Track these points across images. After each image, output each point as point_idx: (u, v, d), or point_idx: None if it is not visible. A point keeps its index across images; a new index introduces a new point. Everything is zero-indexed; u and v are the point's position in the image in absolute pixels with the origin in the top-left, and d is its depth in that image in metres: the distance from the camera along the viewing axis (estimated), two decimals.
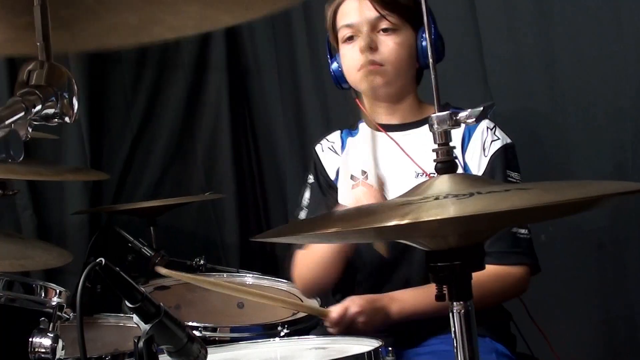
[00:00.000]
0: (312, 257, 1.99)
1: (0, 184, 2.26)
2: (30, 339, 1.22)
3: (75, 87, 0.98)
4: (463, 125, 1.86)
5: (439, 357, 1.78)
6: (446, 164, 1.13)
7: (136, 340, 1.24)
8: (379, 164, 1.89)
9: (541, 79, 2.55)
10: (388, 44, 1.92)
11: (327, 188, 2.09)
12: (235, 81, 3.49)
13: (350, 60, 1.96)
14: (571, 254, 2.53)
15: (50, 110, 0.94)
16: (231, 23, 1.25)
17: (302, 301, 2.37)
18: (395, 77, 1.94)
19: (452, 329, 1.12)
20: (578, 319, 2.50)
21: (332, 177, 2.09)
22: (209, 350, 1.69)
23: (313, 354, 1.59)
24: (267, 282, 2.55)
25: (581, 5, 2.42)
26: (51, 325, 1.25)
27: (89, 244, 2.77)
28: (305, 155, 2.16)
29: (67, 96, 0.95)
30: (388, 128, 1.99)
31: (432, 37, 1.89)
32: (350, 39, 1.97)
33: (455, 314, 1.12)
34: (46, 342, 1.22)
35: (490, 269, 1.81)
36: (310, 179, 2.13)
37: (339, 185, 2.07)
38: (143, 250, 2.60)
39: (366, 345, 1.51)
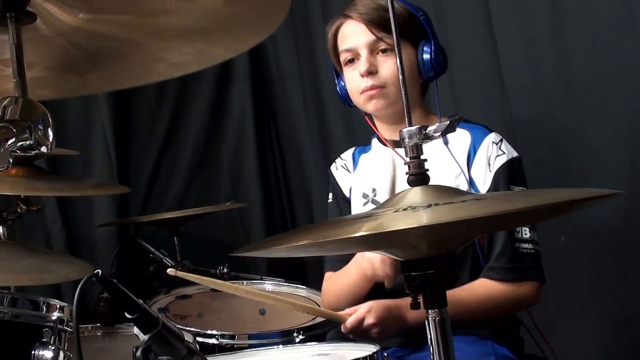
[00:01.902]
0: (342, 282, 2.04)
1: (24, 200, 2.35)
2: (32, 352, 1.28)
3: (50, 120, 1.04)
4: (468, 142, 1.94)
5: None
6: (418, 176, 1.16)
7: (134, 350, 1.30)
8: (396, 180, 1.94)
9: (556, 83, 2.55)
10: (388, 65, 1.95)
11: (345, 206, 2.14)
12: (259, 91, 3.54)
13: (353, 83, 2.00)
14: (589, 254, 2.52)
15: (26, 142, 1.00)
16: (227, 57, 1.30)
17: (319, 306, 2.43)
18: (398, 97, 1.95)
19: (428, 336, 1.15)
20: (597, 320, 2.49)
21: (347, 195, 2.14)
22: (215, 359, 1.76)
23: None
24: (286, 288, 2.60)
25: (595, 6, 2.41)
26: (52, 339, 1.32)
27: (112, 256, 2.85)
28: (329, 163, 2.22)
29: (41, 128, 1.00)
30: (396, 144, 2.02)
31: (434, 51, 1.92)
32: (351, 61, 2.01)
33: (430, 321, 1.15)
34: (48, 354, 1.29)
35: (495, 285, 1.85)
36: (330, 198, 2.19)
37: (352, 203, 2.12)
38: (164, 260, 2.66)
39: (367, 351, 1.55)
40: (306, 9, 3.33)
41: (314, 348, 1.71)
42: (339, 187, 2.16)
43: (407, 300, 1.85)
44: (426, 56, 1.94)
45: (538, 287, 1.91)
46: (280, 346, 1.76)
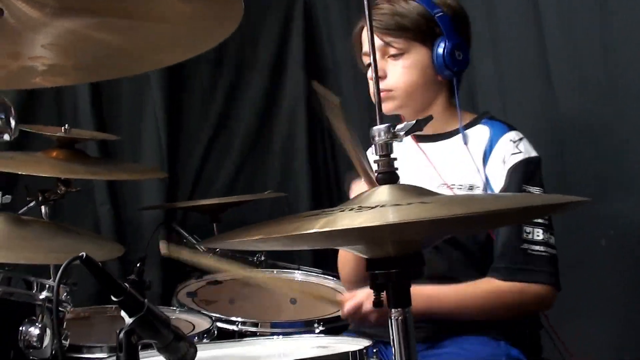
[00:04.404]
0: (348, 256, 2.06)
1: (65, 181, 2.43)
2: (20, 328, 1.34)
3: (13, 110, 1.07)
4: (486, 139, 1.91)
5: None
6: (386, 174, 1.15)
7: (118, 332, 1.34)
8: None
9: (603, 82, 2.48)
10: (396, 70, 1.95)
11: None
12: (313, 80, 3.55)
13: (370, 86, 2.01)
14: (631, 259, 2.44)
15: None
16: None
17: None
18: (408, 99, 1.97)
19: (390, 336, 1.14)
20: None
21: None
22: (218, 345, 1.79)
23: (312, 352, 1.63)
24: (314, 278, 2.61)
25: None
26: (41, 317, 1.36)
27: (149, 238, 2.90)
28: None
29: (3, 117, 1.04)
30: (420, 138, 2.02)
31: (447, 49, 1.90)
32: (369, 65, 2.02)
33: (393, 320, 1.14)
34: (34, 331, 1.34)
35: (500, 283, 1.82)
36: None
37: None
38: (197, 246, 2.71)
39: (361, 345, 1.55)
40: None
41: (314, 340, 1.71)
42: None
43: (414, 290, 1.86)
44: (439, 55, 1.92)
45: (550, 291, 1.86)
46: (280, 336, 1.78)
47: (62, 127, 2.34)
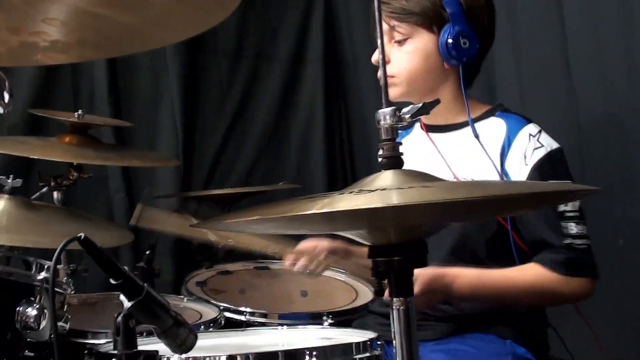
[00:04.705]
0: None
1: (77, 167, 2.42)
2: (17, 309, 1.32)
3: (6, 84, 1.05)
4: (504, 133, 1.87)
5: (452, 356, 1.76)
6: (390, 159, 1.12)
7: (115, 315, 1.32)
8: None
9: (624, 80, 2.44)
10: (399, 55, 1.91)
11: None
12: (332, 74, 3.53)
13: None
14: None
15: None
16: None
17: (356, 294, 2.42)
18: (410, 86, 1.92)
19: (392, 327, 1.11)
20: None
21: None
22: (223, 334, 1.77)
23: (316, 342, 1.61)
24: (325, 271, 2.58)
25: None
26: (38, 298, 1.35)
27: None
28: None
29: None
30: (431, 129, 1.99)
31: (451, 35, 1.85)
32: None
33: (394, 310, 1.11)
34: (32, 312, 1.32)
35: (548, 274, 1.79)
36: None
37: None
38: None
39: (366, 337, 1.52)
40: None
41: (319, 332, 1.69)
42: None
43: (454, 271, 1.85)
44: (442, 42, 1.86)
45: (592, 282, 1.84)
46: (285, 327, 1.75)
47: (75, 113, 2.33)
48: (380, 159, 1.14)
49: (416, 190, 1.00)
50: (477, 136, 1.88)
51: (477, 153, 1.87)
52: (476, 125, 1.90)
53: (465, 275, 1.81)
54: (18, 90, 2.96)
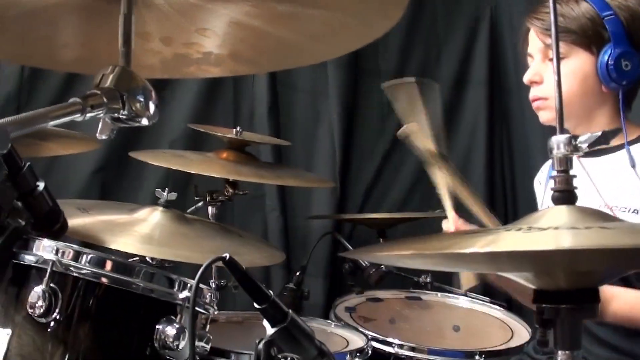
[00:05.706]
0: None
1: (232, 183, 2.42)
2: (157, 327, 1.29)
3: (153, 94, 1.02)
4: None
5: None
6: (564, 193, 1.00)
7: (257, 342, 1.26)
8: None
9: None
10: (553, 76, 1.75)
11: None
12: (495, 99, 3.40)
13: None
14: None
15: (119, 112, 0.99)
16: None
17: (512, 333, 2.27)
18: (565, 110, 1.74)
19: None
20: None
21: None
22: None
23: None
24: (480, 306, 2.46)
25: None
26: (179, 317, 1.32)
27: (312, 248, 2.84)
28: None
29: (142, 100, 0.99)
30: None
31: (612, 57, 1.68)
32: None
33: None
34: (171, 331, 1.29)
35: None
36: None
37: None
38: (359, 260, 2.61)
39: None
40: None
41: None
42: (535, 203, 1.98)
43: (612, 290, 1.63)
44: (602, 63, 1.70)
45: None
46: None
47: (234, 129, 2.33)
48: (552, 192, 1.01)
49: (594, 232, 0.87)
50: (633, 165, 1.69)
51: (631, 179, 1.70)
52: (631, 147, 1.72)
53: (624, 297, 1.66)
54: (180, 105, 3.02)
